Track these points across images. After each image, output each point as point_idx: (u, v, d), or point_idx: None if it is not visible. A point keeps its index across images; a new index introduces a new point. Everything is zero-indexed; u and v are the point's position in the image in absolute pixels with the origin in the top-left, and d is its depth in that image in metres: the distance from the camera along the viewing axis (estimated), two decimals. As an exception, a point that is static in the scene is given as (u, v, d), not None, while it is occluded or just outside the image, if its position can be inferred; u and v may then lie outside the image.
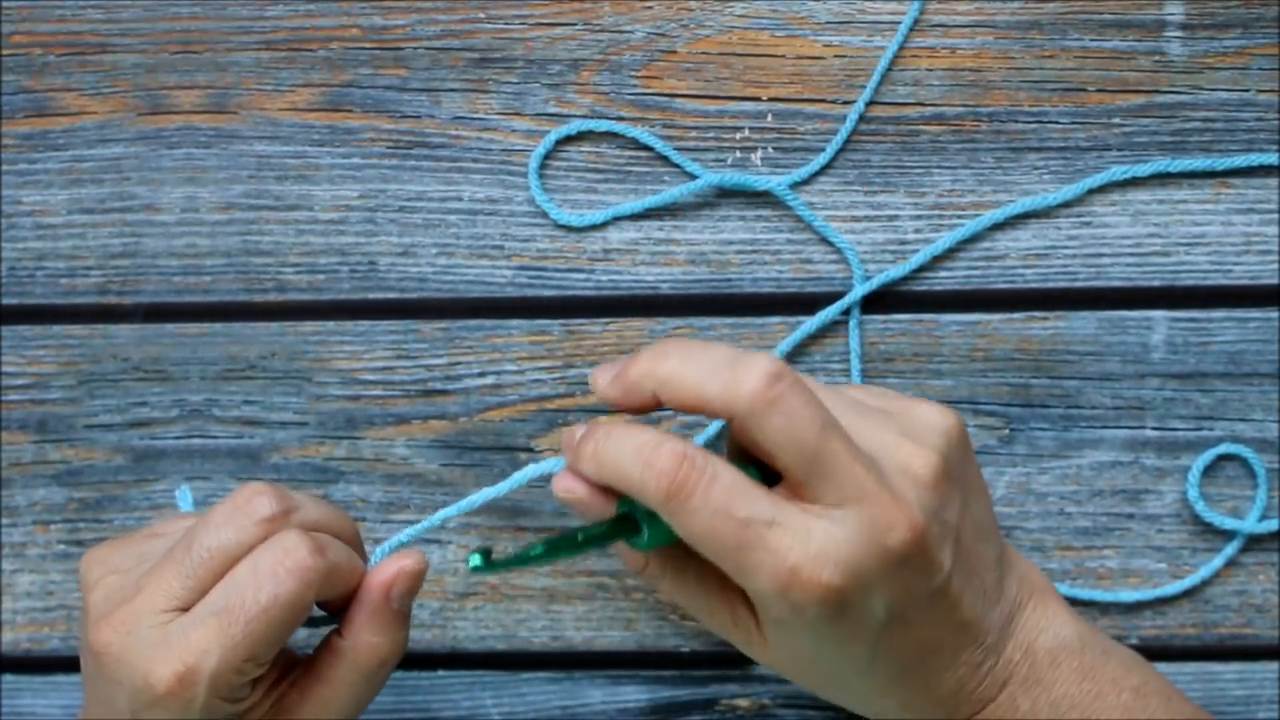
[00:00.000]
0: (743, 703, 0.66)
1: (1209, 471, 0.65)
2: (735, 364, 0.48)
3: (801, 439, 0.48)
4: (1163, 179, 0.65)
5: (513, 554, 0.51)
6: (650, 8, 0.65)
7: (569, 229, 0.65)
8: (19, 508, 0.66)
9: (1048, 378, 0.65)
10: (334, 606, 0.55)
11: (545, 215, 0.65)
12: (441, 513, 0.56)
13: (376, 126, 0.65)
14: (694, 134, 0.65)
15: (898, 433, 0.50)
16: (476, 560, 0.51)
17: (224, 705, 0.51)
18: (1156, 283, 0.65)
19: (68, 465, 0.66)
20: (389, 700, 0.66)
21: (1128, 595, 0.65)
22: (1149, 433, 0.65)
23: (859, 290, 0.64)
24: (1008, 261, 0.65)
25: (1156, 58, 0.64)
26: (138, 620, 0.51)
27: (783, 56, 0.65)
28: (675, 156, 0.65)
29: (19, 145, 0.66)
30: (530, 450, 0.65)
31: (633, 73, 0.65)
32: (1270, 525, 0.64)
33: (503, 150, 0.65)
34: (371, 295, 0.66)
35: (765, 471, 0.51)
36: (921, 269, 0.65)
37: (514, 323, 0.65)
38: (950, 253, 0.65)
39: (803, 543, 0.47)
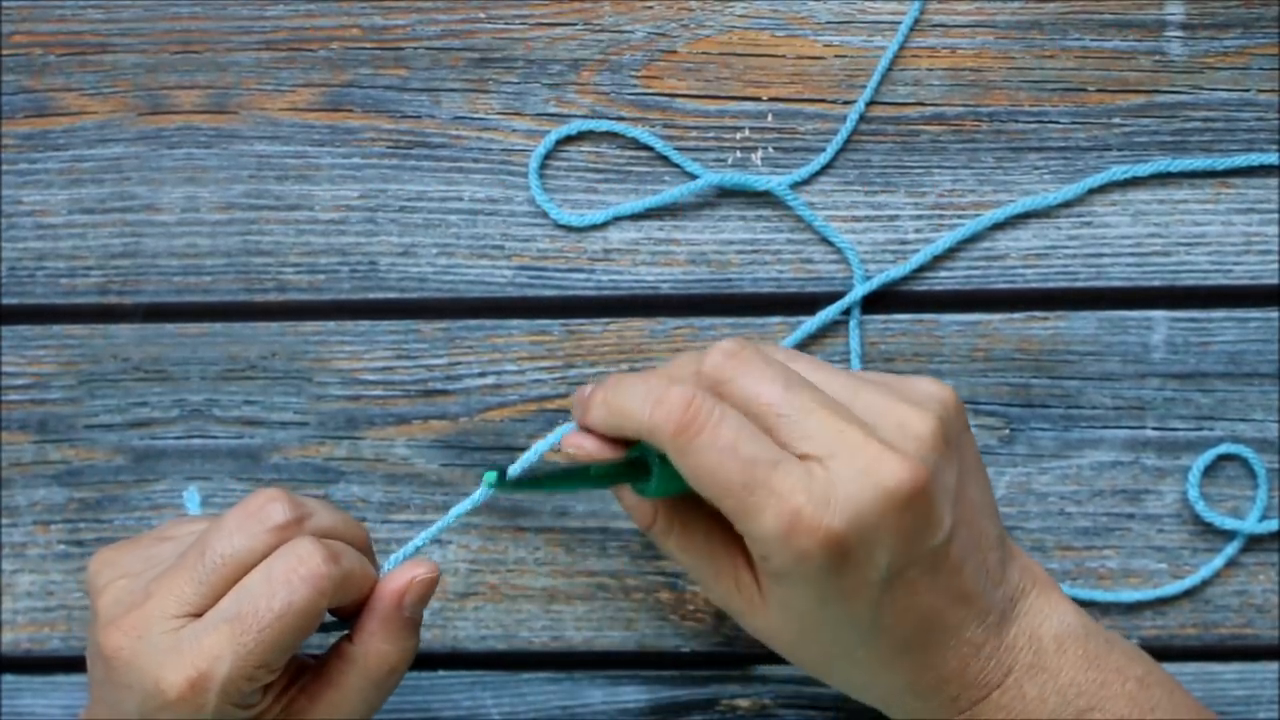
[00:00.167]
0: (743, 703, 0.66)
1: (1209, 471, 0.65)
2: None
3: (769, 397, 0.50)
4: (1163, 179, 0.65)
5: (526, 476, 0.54)
6: (650, 8, 0.65)
7: (569, 229, 0.65)
8: (19, 508, 0.66)
9: (1048, 378, 0.65)
10: (345, 612, 0.55)
11: (545, 215, 0.65)
12: (455, 509, 0.58)
13: (377, 126, 0.65)
14: (694, 134, 0.65)
15: (896, 398, 0.51)
16: (492, 477, 0.53)
17: (235, 710, 0.51)
18: (1157, 283, 0.65)
19: (68, 465, 0.66)
20: (389, 700, 0.66)
21: (1128, 595, 0.65)
22: (1149, 433, 0.65)
23: (859, 290, 0.64)
24: (1008, 261, 0.65)
25: (1157, 58, 0.64)
26: (149, 625, 0.51)
27: (783, 56, 0.65)
28: (675, 156, 0.65)
29: (19, 145, 0.66)
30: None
31: (633, 73, 0.65)
32: (1270, 525, 0.64)
33: (503, 150, 0.65)
34: (372, 295, 0.66)
35: None
36: (922, 269, 0.65)
37: (514, 323, 0.65)
38: (951, 253, 0.65)
39: (805, 485, 0.48)
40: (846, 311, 0.65)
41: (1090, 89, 0.64)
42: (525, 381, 0.65)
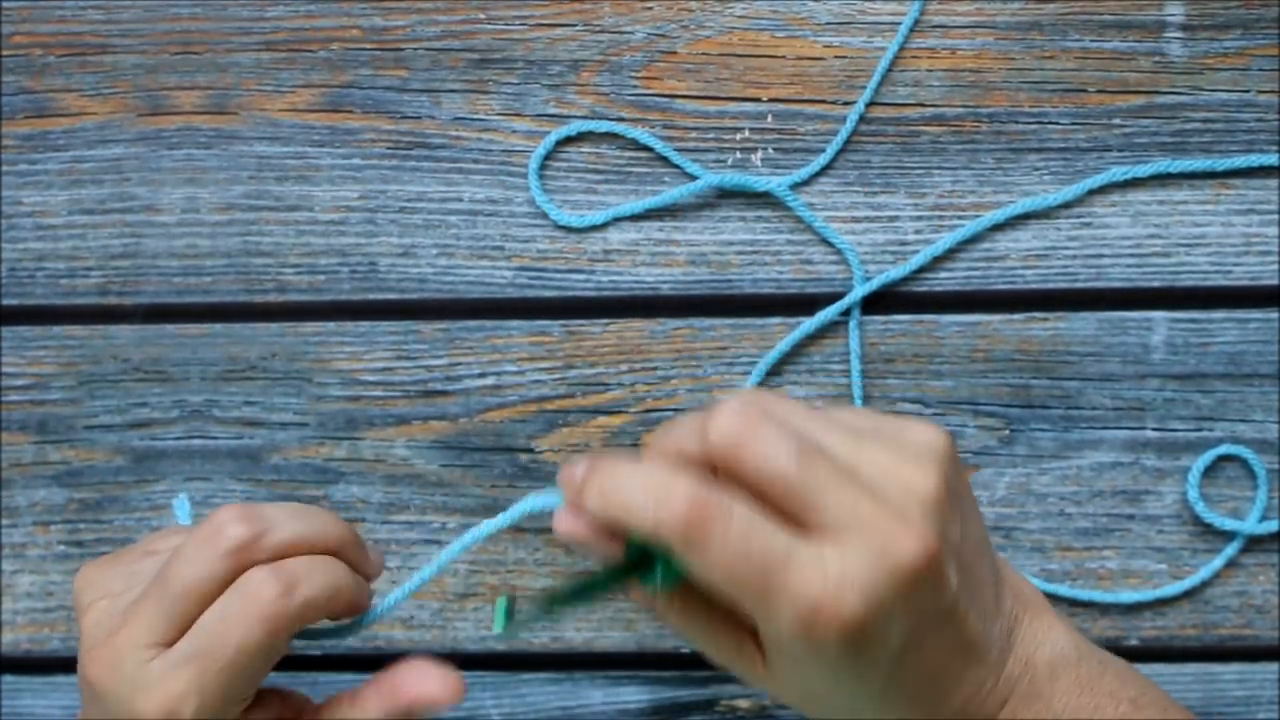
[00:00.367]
0: (743, 703, 0.66)
1: (1209, 472, 0.65)
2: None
3: (782, 471, 0.47)
4: (1163, 180, 0.65)
5: (528, 613, 0.50)
6: (650, 8, 0.65)
7: (569, 230, 0.65)
8: (19, 508, 0.66)
9: (1048, 378, 0.65)
10: (343, 616, 0.55)
11: (545, 216, 0.65)
12: (445, 553, 0.54)
13: (377, 127, 0.65)
14: (694, 135, 0.65)
15: (898, 455, 0.49)
16: (500, 625, 0.50)
17: None
18: (1156, 283, 0.65)
19: (68, 466, 0.66)
20: (389, 701, 0.66)
21: (1128, 596, 0.65)
22: (1149, 433, 0.65)
23: (859, 291, 0.64)
24: (1008, 262, 0.65)
25: (1157, 58, 0.64)
26: (122, 657, 0.51)
27: (783, 57, 0.65)
28: (675, 157, 0.65)
29: (19, 146, 0.66)
30: (530, 451, 0.65)
31: (633, 73, 0.65)
32: (1270, 526, 0.64)
33: (503, 151, 0.65)
34: (372, 296, 0.66)
35: None
36: (922, 270, 0.65)
37: (514, 323, 0.65)
38: (950, 253, 0.65)
39: (820, 575, 0.46)
40: (846, 312, 0.65)
41: (1090, 90, 0.64)
42: (525, 382, 0.65)
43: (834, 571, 0.46)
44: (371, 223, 0.65)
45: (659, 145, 0.65)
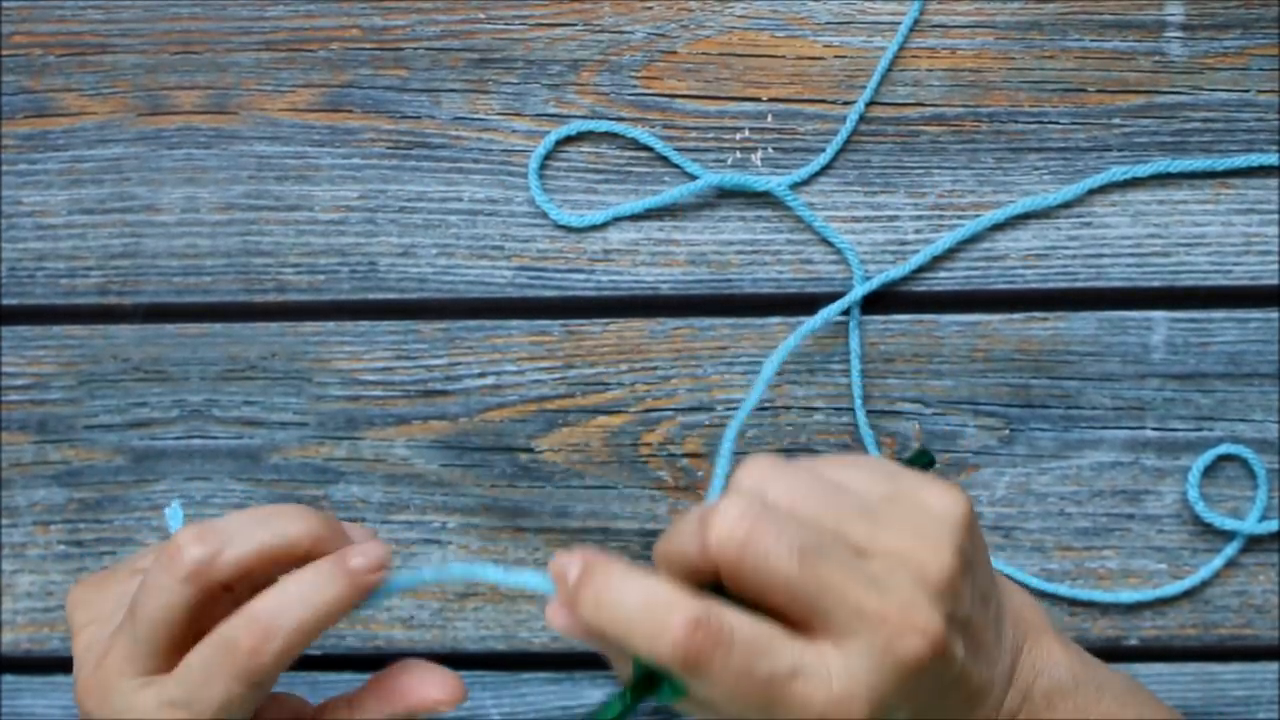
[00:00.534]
0: (743, 703, 0.66)
1: (1209, 472, 0.65)
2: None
3: (784, 577, 0.46)
4: (1163, 179, 0.65)
5: None
6: (650, 8, 0.65)
7: (569, 229, 0.65)
8: (19, 508, 0.66)
9: (1048, 378, 0.65)
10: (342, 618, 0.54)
11: (545, 216, 0.65)
12: (455, 570, 0.51)
13: (376, 127, 0.65)
14: (694, 134, 0.65)
15: (912, 534, 0.48)
16: None
17: None
18: (1156, 283, 0.65)
19: (68, 466, 0.66)
20: (389, 700, 0.66)
21: (1128, 596, 0.65)
22: (1149, 433, 0.65)
23: (859, 290, 0.64)
24: (1008, 262, 0.65)
25: (1157, 58, 0.64)
26: (109, 689, 0.51)
27: (783, 57, 0.65)
28: (675, 157, 0.65)
29: (19, 145, 0.66)
30: (530, 450, 0.65)
31: (633, 73, 0.65)
32: (1270, 526, 0.64)
33: (503, 151, 0.65)
34: (371, 296, 0.66)
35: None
36: (921, 269, 0.65)
37: (514, 323, 0.65)
38: (950, 253, 0.65)
39: (825, 687, 0.46)
40: (846, 312, 0.65)
41: (1090, 89, 0.64)
42: (525, 382, 0.65)
43: (839, 680, 0.46)
44: (371, 222, 0.65)
45: (659, 145, 0.65)
